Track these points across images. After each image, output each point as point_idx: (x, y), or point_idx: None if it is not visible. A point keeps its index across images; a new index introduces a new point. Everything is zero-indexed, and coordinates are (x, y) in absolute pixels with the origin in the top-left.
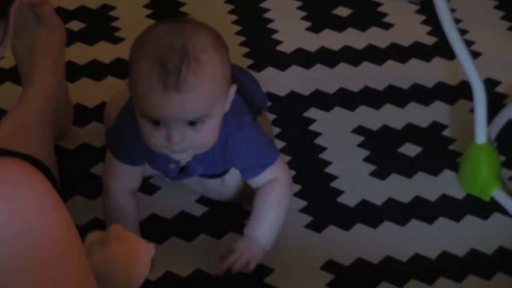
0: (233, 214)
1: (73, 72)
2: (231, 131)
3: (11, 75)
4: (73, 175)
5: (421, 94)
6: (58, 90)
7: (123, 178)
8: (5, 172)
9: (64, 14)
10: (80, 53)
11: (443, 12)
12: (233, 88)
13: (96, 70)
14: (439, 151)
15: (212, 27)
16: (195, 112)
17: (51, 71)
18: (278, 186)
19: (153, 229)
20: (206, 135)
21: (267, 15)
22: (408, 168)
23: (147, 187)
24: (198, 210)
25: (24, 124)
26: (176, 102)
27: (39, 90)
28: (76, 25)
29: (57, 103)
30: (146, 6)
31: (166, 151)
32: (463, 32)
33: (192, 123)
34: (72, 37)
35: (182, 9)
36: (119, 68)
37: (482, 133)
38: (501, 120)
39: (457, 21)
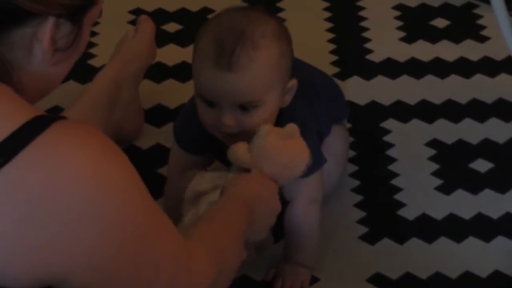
0: None
1: (161, 72)
2: None
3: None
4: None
5: (504, 110)
6: (116, 87)
7: (183, 165)
8: (73, 130)
9: (163, 15)
10: (171, 55)
11: (504, 24)
12: (293, 82)
13: (182, 72)
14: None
15: (280, 20)
16: (245, 94)
17: (116, 67)
18: (304, 209)
19: None
20: (258, 121)
21: (364, 23)
22: (475, 184)
23: None
24: None
25: (75, 114)
26: (227, 81)
27: (97, 82)
28: (172, 27)
29: (115, 99)
30: None
31: (219, 135)
32: None
33: (244, 108)
34: (166, 39)
35: (280, 14)
36: None
37: None
38: None
39: None
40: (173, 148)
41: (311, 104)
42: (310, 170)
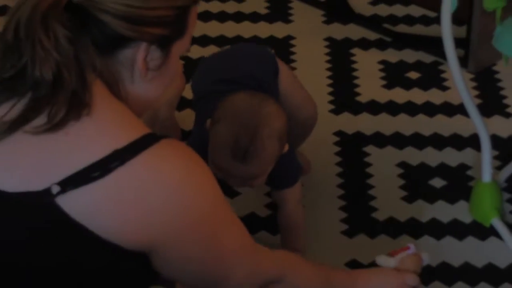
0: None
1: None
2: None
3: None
4: None
5: (458, 142)
6: (154, 111)
7: None
8: (180, 147)
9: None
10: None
11: (458, 79)
12: (286, 148)
13: None
14: (460, 186)
15: (281, 109)
16: (252, 176)
17: None
18: (292, 211)
19: None
20: (259, 182)
21: (355, 73)
22: (432, 196)
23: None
24: (264, 212)
25: None
26: (239, 169)
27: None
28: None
29: (154, 119)
30: None
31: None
32: (503, 97)
33: None
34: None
35: (292, 65)
36: None
37: (487, 174)
38: None
39: (501, 88)
40: None
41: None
42: (294, 180)
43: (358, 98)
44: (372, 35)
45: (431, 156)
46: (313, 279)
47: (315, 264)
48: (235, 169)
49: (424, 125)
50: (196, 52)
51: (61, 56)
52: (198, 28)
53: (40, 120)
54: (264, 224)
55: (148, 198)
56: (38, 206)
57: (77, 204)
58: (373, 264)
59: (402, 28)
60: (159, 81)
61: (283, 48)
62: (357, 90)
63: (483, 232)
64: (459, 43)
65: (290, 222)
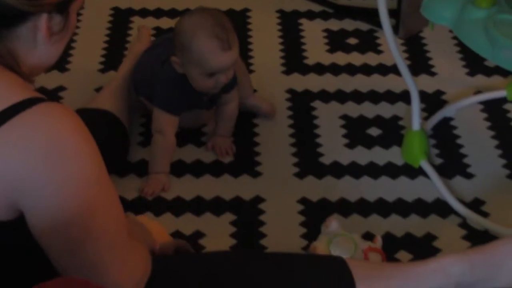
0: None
1: None
2: None
3: None
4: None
5: (390, 97)
6: (130, 73)
7: (173, 126)
8: (47, 109)
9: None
10: None
11: (391, 44)
12: None
13: None
14: (393, 134)
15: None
16: (234, 61)
17: (128, 61)
18: (235, 106)
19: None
20: (232, 74)
21: (303, 40)
22: (370, 143)
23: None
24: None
25: (108, 92)
26: (230, 56)
27: (119, 72)
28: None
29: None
30: None
31: (210, 91)
32: (428, 59)
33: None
34: None
35: (249, 33)
36: None
37: (416, 123)
38: (438, 117)
39: (426, 51)
40: (163, 117)
41: None
42: (234, 86)
43: (306, 61)
44: (317, 8)
45: (368, 109)
46: None
47: None
48: (228, 57)
49: (362, 83)
50: (166, 23)
51: None
52: (169, 2)
53: None
54: (226, 168)
55: (16, 163)
56: None
57: None
58: (320, 202)
59: (342, 1)
60: (62, 40)
61: (240, 19)
62: (305, 54)
63: (413, 172)
64: (391, 13)
65: (231, 115)
